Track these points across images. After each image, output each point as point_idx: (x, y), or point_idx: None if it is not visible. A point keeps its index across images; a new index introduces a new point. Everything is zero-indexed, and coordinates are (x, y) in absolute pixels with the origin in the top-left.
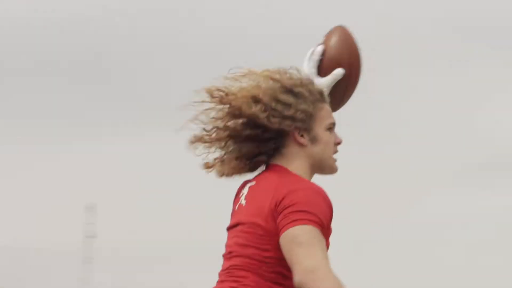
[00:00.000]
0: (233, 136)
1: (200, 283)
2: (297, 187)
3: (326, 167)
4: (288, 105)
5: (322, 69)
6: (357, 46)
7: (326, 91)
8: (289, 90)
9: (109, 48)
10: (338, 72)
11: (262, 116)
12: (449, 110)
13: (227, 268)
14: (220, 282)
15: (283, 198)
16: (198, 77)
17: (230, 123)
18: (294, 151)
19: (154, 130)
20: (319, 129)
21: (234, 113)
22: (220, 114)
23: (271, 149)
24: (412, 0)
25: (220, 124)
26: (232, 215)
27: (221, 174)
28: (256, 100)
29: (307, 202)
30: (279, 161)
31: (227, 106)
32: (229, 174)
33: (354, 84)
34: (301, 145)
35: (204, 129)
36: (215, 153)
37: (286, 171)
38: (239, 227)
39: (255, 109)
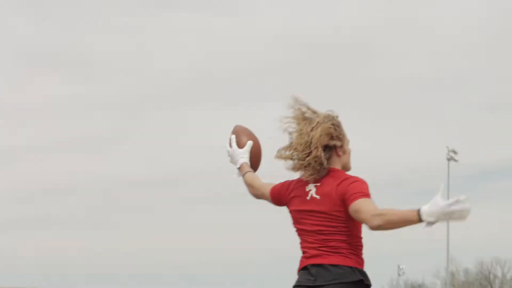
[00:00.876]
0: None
1: None
2: (353, 178)
3: (347, 167)
4: (340, 130)
5: (240, 146)
6: (252, 132)
7: (247, 155)
8: (338, 126)
9: None
10: (250, 143)
11: (335, 133)
12: None
13: (323, 241)
14: (319, 252)
15: (347, 187)
16: None
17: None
18: (335, 160)
19: None
20: (346, 146)
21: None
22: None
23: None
24: None
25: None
26: (295, 201)
27: (306, 177)
28: (331, 131)
29: (361, 186)
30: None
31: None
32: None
33: (258, 150)
34: (339, 156)
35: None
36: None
37: (334, 170)
38: (317, 214)
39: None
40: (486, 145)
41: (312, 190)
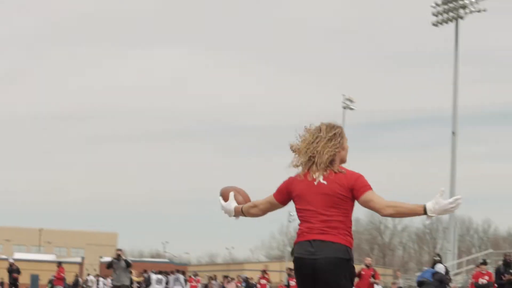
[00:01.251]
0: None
1: None
2: (357, 174)
3: (344, 160)
4: (341, 134)
5: (226, 200)
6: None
7: (234, 202)
8: (340, 131)
9: None
10: (232, 193)
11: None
12: None
13: (325, 221)
14: (321, 230)
15: (355, 181)
16: None
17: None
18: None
19: None
20: (345, 143)
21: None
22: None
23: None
24: None
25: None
26: (302, 185)
27: (317, 169)
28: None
29: (365, 180)
30: None
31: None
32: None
33: (244, 194)
34: (339, 152)
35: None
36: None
37: (337, 163)
38: (324, 196)
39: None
40: (384, 95)
41: (319, 177)
